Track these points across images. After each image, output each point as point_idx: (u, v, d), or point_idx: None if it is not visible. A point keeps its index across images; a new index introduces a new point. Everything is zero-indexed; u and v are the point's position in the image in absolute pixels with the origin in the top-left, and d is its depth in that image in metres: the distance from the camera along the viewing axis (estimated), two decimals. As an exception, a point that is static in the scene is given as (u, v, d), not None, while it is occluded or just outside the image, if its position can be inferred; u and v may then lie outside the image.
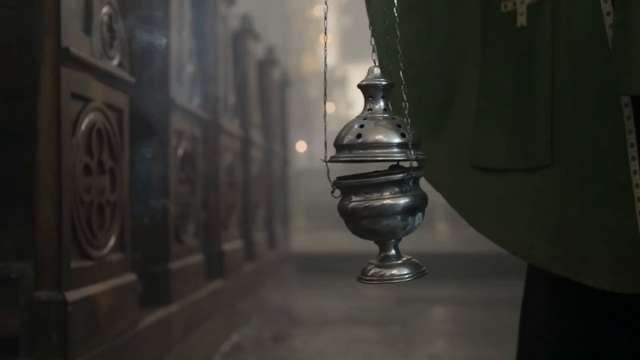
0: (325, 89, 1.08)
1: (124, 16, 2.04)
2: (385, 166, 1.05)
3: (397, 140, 0.96)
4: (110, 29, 1.97)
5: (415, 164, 0.98)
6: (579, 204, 1.15)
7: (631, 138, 1.12)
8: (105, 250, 1.91)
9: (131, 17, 2.14)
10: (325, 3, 1.07)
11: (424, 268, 0.99)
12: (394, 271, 0.98)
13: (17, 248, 1.64)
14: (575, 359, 1.27)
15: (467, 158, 1.30)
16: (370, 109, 1.00)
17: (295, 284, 5.37)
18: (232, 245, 3.57)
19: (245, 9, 4.49)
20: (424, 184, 1.07)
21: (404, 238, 1.00)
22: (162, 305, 2.41)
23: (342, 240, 6.93)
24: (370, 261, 1.02)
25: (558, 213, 1.18)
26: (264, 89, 4.91)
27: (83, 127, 1.78)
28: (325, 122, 1.05)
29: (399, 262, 1.00)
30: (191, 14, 2.90)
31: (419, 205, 0.98)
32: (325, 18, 1.11)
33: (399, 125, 0.98)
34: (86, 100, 1.80)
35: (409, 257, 1.01)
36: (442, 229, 8.93)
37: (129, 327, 2.05)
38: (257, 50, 4.61)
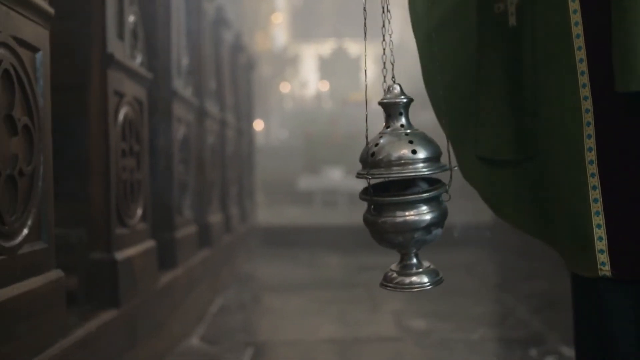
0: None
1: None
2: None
3: (437, 153, 1.03)
4: (135, 34, 2.33)
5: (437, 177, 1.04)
6: (553, 189, 1.23)
7: (589, 129, 1.16)
8: (136, 220, 2.29)
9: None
10: None
11: (441, 276, 1.05)
12: (414, 278, 1.04)
13: (73, 217, 2.00)
14: None
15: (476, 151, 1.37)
16: (402, 125, 1.04)
17: (263, 254, 5.77)
18: (215, 218, 3.96)
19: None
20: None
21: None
22: (171, 269, 2.79)
23: (299, 214, 7.36)
24: (392, 267, 1.07)
25: (541, 201, 1.28)
26: (235, 72, 5.26)
27: (120, 117, 2.15)
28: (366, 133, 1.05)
29: (420, 270, 1.05)
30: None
31: (443, 219, 1.04)
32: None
33: (432, 139, 1.05)
34: (121, 95, 2.17)
35: (429, 264, 1.07)
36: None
37: (152, 285, 2.43)
38: (229, 37, 4.95)
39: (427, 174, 1.01)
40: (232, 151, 4.81)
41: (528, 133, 1.27)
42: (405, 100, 1.04)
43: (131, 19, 2.28)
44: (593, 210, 1.16)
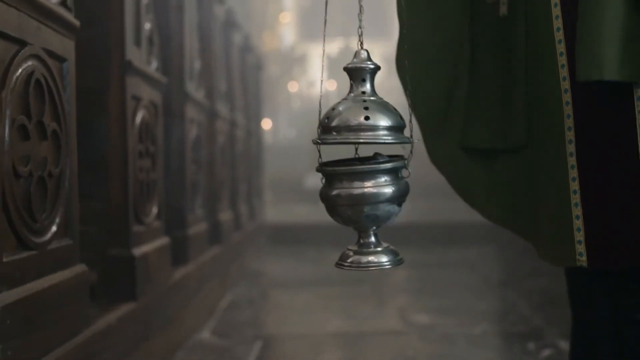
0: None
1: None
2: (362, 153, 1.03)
3: (400, 123, 0.95)
4: (151, 40, 2.44)
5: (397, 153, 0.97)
6: (541, 182, 1.25)
7: (569, 122, 1.17)
8: (151, 218, 2.40)
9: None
10: None
11: (402, 256, 0.99)
12: (372, 258, 0.97)
13: (93, 215, 2.11)
14: None
15: (459, 140, 1.37)
16: (364, 92, 0.97)
17: (271, 251, 5.88)
18: (225, 215, 4.07)
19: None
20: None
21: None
22: (183, 265, 2.91)
23: (307, 212, 7.45)
24: (349, 247, 1.01)
25: (530, 190, 1.28)
26: (244, 73, 5.37)
27: (138, 120, 2.26)
28: (320, 106, 1.02)
29: (378, 249, 0.98)
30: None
31: (403, 194, 0.97)
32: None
33: (394, 108, 0.97)
34: (138, 99, 2.28)
35: (387, 244, 1.00)
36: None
37: (166, 280, 2.55)
38: (238, 38, 5.06)
39: (379, 143, 0.94)
40: (242, 151, 4.92)
41: (519, 123, 1.28)
42: (371, 66, 0.98)
43: (147, 26, 2.39)
44: (572, 201, 1.17)
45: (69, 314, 1.60)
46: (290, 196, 9.23)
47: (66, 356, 1.53)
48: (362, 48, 1.00)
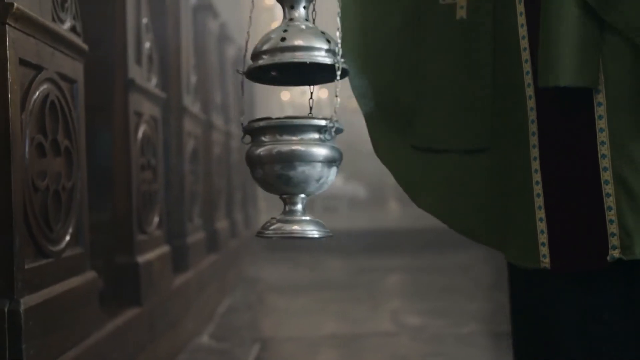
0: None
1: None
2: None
3: (323, 45, 0.91)
4: (151, 59, 2.57)
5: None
6: (501, 183, 1.26)
7: (533, 127, 1.19)
8: (153, 227, 2.53)
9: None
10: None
11: (329, 231, 0.94)
12: (296, 227, 0.91)
13: (100, 225, 2.23)
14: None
15: (410, 139, 1.35)
16: (292, 19, 0.93)
17: (266, 258, 5.99)
18: (222, 224, 4.20)
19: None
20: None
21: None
22: (183, 272, 3.03)
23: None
24: (274, 216, 0.97)
25: (491, 193, 1.29)
26: (237, 84, 5.50)
27: (140, 135, 2.39)
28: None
29: (304, 218, 0.93)
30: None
31: (336, 158, 0.92)
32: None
33: (323, 32, 0.93)
34: (140, 115, 2.41)
35: (315, 218, 0.95)
36: (393, 208, 9.56)
37: (168, 286, 2.67)
38: (231, 51, 5.19)
39: (295, 61, 0.89)
40: (236, 160, 5.05)
41: (479, 125, 1.29)
42: None
43: (147, 45, 2.52)
44: (536, 204, 1.19)
45: (81, 317, 1.72)
46: (280, 205, 9.32)
47: (80, 356, 1.65)
48: None
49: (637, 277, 1.19)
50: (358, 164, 8.02)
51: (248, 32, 1.06)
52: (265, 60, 0.93)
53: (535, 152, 1.19)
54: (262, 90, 11.79)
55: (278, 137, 0.90)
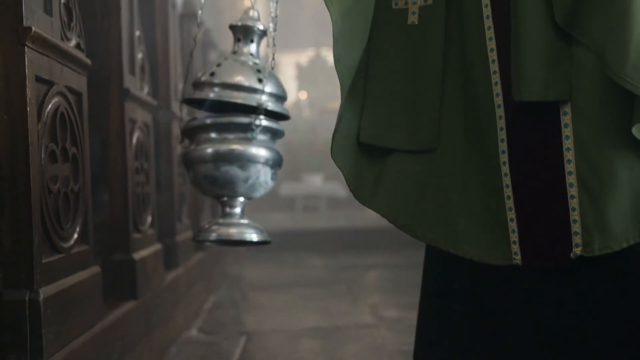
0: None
1: None
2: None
3: (252, 84, 0.88)
4: (143, 69, 2.74)
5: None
6: (458, 184, 1.30)
7: (502, 134, 1.25)
8: (146, 227, 2.70)
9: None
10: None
11: (269, 237, 0.87)
12: (233, 230, 0.87)
13: (98, 224, 2.40)
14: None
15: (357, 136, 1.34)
16: (235, 52, 0.90)
17: (250, 257, 6.16)
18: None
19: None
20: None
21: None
22: (174, 269, 3.20)
23: (283, 219, 7.74)
24: (211, 220, 0.95)
25: (437, 191, 1.32)
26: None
27: (134, 141, 2.56)
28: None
29: (242, 222, 0.90)
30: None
31: (267, 158, 0.90)
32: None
33: (258, 71, 0.88)
34: (134, 122, 2.58)
35: (254, 223, 0.90)
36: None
37: (160, 282, 2.84)
38: (214, 56, 5.36)
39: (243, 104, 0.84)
40: (220, 162, 5.22)
41: (429, 128, 1.31)
42: (261, 28, 0.90)
43: (140, 56, 2.69)
44: (507, 205, 1.26)
45: (88, 307, 1.89)
46: (265, 204, 9.49)
47: (88, 343, 1.83)
48: (253, 7, 0.91)
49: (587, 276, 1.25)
50: (337, 164, 8.16)
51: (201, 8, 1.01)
52: (196, 94, 0.88)
53: (504, 158, 1.25)
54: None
55: (204, 136, 0.86)
